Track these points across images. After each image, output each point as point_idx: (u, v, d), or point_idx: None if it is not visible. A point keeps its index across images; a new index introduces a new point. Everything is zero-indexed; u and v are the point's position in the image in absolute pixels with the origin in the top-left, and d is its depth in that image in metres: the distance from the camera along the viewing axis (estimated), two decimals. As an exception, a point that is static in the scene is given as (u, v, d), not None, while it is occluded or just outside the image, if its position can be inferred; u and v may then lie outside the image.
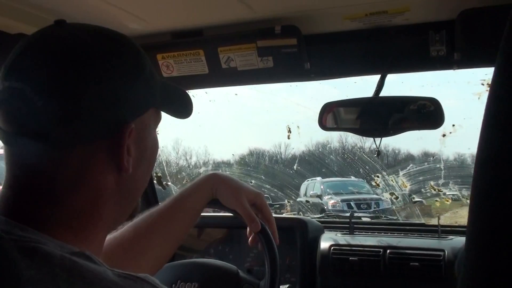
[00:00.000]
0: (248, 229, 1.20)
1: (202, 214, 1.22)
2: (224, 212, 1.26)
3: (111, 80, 0.69)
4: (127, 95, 0.71)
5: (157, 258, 1.11)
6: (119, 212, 0.77)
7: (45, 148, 0.67)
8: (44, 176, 0.68)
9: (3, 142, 0.70)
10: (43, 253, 0.60)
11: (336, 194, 10.03)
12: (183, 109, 0.89)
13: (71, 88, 0.66)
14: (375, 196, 9.43)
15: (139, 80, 0.74)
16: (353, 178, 10.39)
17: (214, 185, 1.18)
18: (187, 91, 0.90)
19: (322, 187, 10.46)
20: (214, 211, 1.74)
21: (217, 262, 1.41)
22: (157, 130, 0.84)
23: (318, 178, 10.79)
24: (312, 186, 10.73)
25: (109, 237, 1.08)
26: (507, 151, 0.49)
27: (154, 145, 0.81)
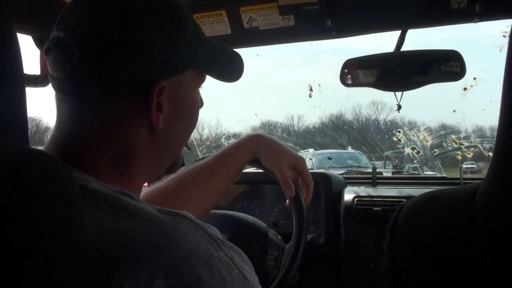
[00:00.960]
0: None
1: None
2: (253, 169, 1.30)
3: (147, 39, 0.71)
4: (163, 54, 0.73)
5: (196, 212, 1.13)
6: (154, 164, 0.80)
7: (83, 97, 0.71)
8: (83, 125, 0.72)
9: (53, 88, 0.74)
10: (89, 190, 0.63)
11: (330, 168, 8.91)
12: (229, 71, 0.92)
13: (107, 42, 0.69)
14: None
15: (178, 40, 0.76)
16: (349, 149, 9.75)
17: (256, 146, 1.22)
18: None
19: (313, 160, 9.44)
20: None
21: (249, 218, 1.45)
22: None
23: (311, 150, 9.50)
24: (303, 160, 9.65)
25: (153, 187, 1.14)
26: None
27: (192, 104, 0.83)
